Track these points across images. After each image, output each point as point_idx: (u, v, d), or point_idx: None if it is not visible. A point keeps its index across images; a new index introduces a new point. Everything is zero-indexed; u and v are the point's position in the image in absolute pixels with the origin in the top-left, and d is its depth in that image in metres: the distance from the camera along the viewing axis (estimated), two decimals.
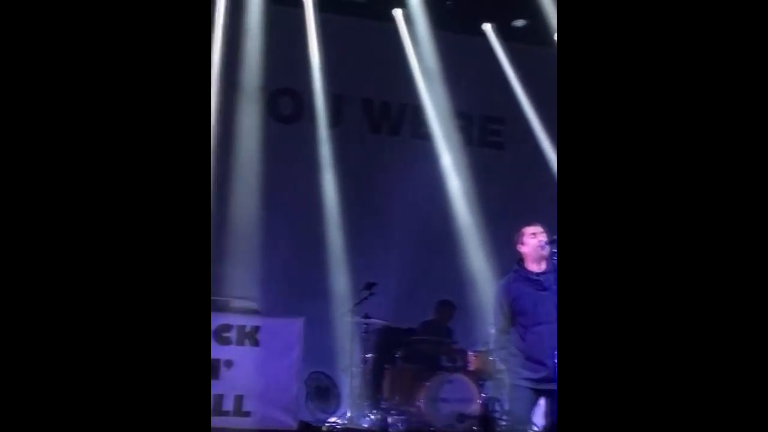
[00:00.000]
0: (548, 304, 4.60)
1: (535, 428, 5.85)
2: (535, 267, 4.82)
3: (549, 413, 4.71)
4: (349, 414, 8.15)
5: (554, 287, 4.61)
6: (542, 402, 4.73)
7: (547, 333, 4.56)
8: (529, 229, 4.88)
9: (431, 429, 7.43)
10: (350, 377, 8.29)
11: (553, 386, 4.49)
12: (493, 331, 7.72)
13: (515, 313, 4.75)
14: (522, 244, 4.87)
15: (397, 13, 10.07)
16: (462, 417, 7.42)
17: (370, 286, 8.35)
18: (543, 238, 4.81)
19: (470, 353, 8.10)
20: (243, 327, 7.11)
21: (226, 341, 7.03)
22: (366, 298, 8.33)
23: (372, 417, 8.08)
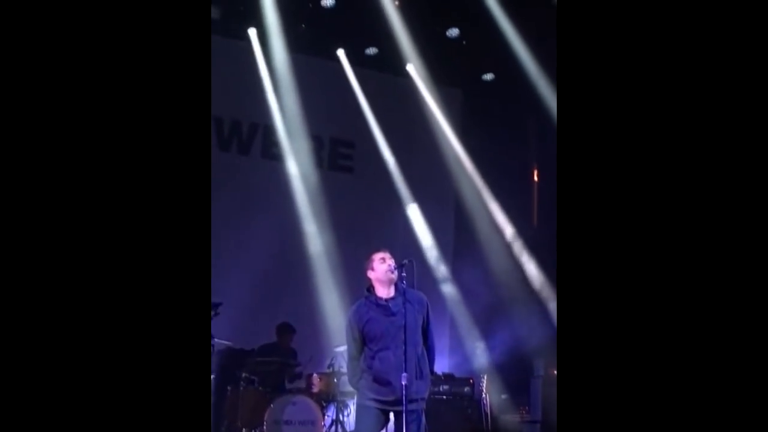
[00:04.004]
0: (396, 329, 4.72)
1: None
2: (384, 293, 4.91)
3: None
4: None
5: (402, 311, 4.74)
6: (391, 422, 4.79)
7: (394, 357, 4.68)
8: (377, 255, 4.97)
9: None
10: None
11: (400, 408, 4.56)
12: (338, 350, 7.76)
13: (365, 338, 4.82)
14: (371, 270, 4.95)
15: (252, 32, 10.01)
16: None
17: (214, 306, 8.16)
18: (391, 263, 4.92)
19: (314, 375, 8.07)
20: None
21: None
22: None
23: None
